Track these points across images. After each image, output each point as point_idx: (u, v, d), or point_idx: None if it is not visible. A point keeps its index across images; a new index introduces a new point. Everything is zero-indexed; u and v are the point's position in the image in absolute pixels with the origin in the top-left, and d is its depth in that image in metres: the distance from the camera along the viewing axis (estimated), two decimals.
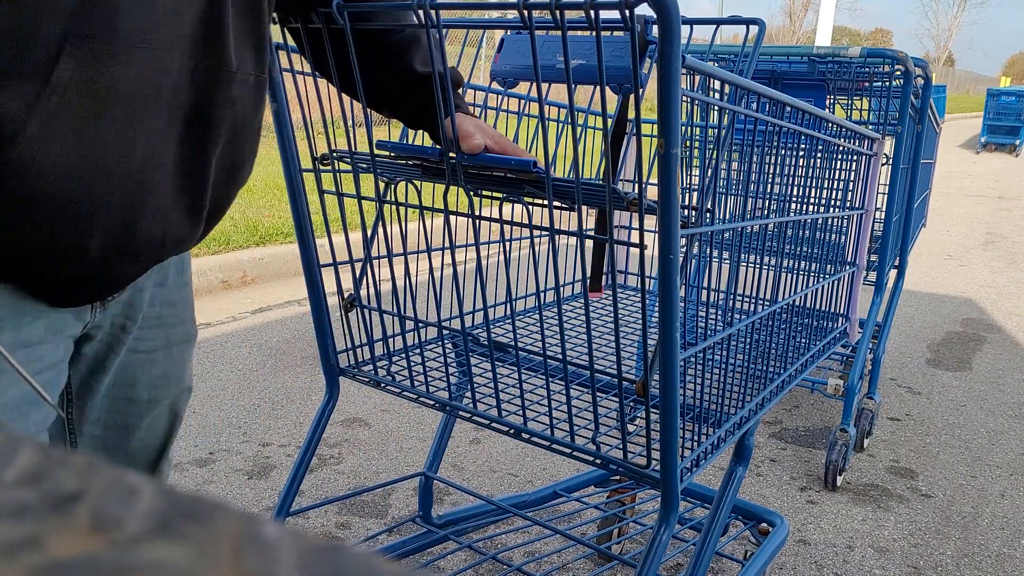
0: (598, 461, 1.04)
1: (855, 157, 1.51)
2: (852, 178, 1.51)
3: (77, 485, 0.18)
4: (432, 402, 1.21)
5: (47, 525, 0.17)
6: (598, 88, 0.92)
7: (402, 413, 2.68)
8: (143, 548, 0.16)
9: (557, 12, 0.72)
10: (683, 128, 0.95)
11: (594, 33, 0.74)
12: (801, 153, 1.24)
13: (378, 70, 1.10)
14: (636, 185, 0.83)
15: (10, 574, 0.15)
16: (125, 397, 1.00)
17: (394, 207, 1.13)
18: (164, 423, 1.06)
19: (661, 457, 0.96)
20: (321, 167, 1.13)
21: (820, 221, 1.40)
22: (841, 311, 1.57)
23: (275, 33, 1.10)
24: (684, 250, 0.92)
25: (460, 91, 1.12)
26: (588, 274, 1.18)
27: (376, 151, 1.06)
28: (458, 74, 1.11)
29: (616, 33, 1.18)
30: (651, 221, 1.05)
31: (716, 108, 0.92)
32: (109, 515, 0.17)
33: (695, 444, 1.06)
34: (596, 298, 1.86)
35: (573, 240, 1.84)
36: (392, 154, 1.06)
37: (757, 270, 1.19)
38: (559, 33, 0.77)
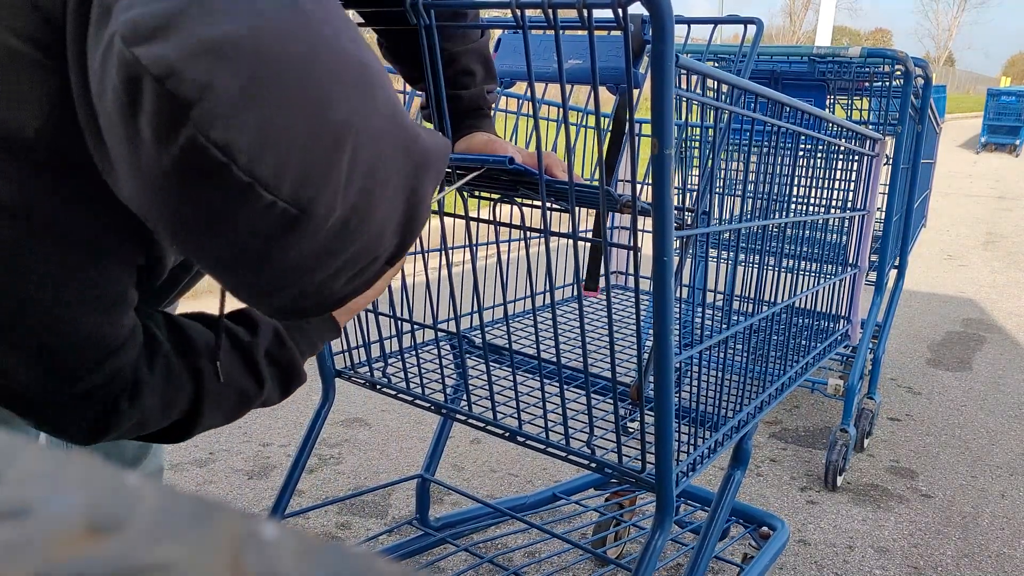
0: (593, 465, 1.03)
1: (856, 157, 1.50)
2: (853, 179, 1.51)
3: (78, 485, 0.18)
4: (428, 404, 1.20)
5: (47, 526, 0.16)
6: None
7: (403, 413, 2.67)
8: (143, 548, 0.16)
9: (550, 11, 0.71)
10: (683, 128, 0.95)
11: (588, 33, 0.73)
12: (801, 153, 1.23)
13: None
14: (630, 186, 0.82)
15: (10, 574, 0.15)
16: None
17: None
18: None
19: (656, 461, 0.95)
20: None
21: (820, 222, 1.39)
22: (842, 313, 1.56)
23: None
24: (679, 252, 0.91)
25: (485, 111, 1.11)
26: (583, 273, 1.18)
27: None
28: (481, 97, 1.08)
29: (614, 33, 1.17)
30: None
31: (712, 108, 0.91)
32: (109, 515, 0.17)
33: (691, 448, 1.05)
34: (593, 297, 1.85)
35: (569, 242, 1.83)
36: None
37: (757, 271, 1.18)
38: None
